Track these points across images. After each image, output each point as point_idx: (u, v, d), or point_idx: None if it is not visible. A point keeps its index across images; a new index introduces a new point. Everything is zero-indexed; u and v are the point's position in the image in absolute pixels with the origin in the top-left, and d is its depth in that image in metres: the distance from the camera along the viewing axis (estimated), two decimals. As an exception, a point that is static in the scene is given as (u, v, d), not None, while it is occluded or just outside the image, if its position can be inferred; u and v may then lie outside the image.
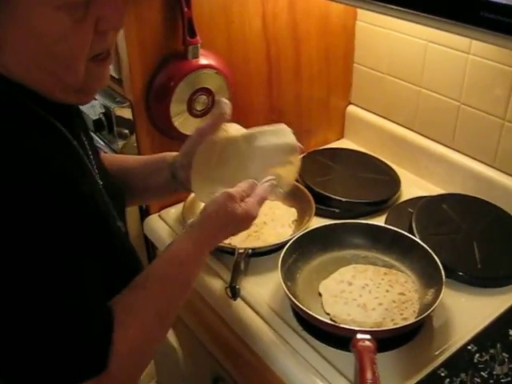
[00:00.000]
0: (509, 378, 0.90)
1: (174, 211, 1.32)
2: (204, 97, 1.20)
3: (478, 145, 1.31)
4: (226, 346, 1.15)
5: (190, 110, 1.20)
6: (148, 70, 1.18)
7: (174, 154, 1.02)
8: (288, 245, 1.09)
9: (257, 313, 1.05)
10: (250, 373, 1.09)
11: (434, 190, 1.38)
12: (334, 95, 1.55)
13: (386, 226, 1.16)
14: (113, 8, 0.67)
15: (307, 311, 0.96)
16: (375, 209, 1.30)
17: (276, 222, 1.24)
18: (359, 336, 0.89)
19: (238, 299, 1.06)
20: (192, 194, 1.25)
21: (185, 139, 1.21)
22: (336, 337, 0.96)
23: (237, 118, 1.26)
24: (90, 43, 0.68)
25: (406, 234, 1.13)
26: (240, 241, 1.18)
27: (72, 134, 0.76)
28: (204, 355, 1.27)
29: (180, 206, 1.29)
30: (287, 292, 0.99)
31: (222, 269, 1.14)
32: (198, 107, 1.21)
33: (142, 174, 1.04)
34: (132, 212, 1.30)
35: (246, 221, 0.90)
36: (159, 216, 1.32)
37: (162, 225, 1.29)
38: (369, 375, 0.81)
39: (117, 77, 1.21)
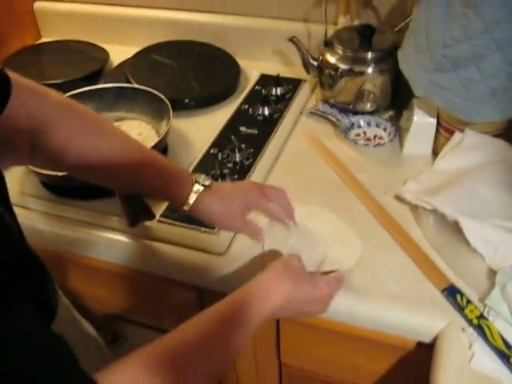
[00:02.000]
0: (250, 160, 1.02)
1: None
2: None
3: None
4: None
5: None
6: None
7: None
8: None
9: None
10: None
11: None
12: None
13: (104, 85, 1.17)
14: None
15: (43, 172, 0.95)
16: (92, 81, 1.29)
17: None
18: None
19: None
20: None
21: None
22: (96, 189, 0.98)
23: None
24: None
25: (125, 85, 1.16)
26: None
27: None
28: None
29: None
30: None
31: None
32: None
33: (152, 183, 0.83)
34: None
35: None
36: None
37: None
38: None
39: None
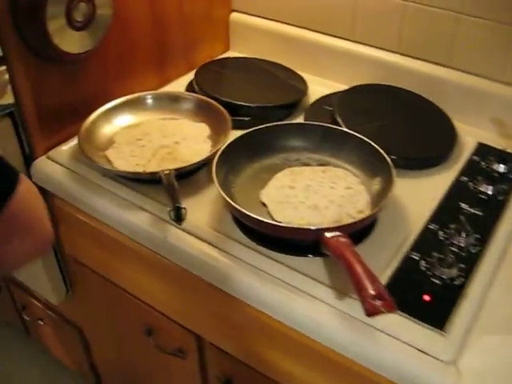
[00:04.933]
0: (477, 248, 0.88)
1: (66, 148, 1.12)
2: (83, 4, 1.01)
3: (379, 33, 1.26)
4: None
5: (70, 23, 1.00)
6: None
7: None
8: (216, 158, 0.96)
9: (201, 239, 0.91)
10: (212, 308, 0.98)
11: (340, 87, 1.30)
12: (215, 4, 1.41)
13: (313, 122, 1.07)
14: None
15: (261, 219, 0.84)
16: (288, 112, 1.21)
17: (189, 141, 1.10)
18: (329, 234, 0.81)
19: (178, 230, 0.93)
20: (88, 121, 1.08)
21: (66, 58, 1.05)
22: (297, 244, 0.88)
23: (119, 31, 1.17)
24: None
25: (335, 127, 1.05)
26: (156, 165, 1.03)
27: None
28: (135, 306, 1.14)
29: (72, 141, 1.12)
30: (232, 203, 0.87)
31: (142, 200, 0.99)
32: (79, 17, 1.01)
33: None
34: (13, 159, 1.09)
35: None
36: (48, 157, 1.11)
37: (55, 167, 1.09)
38: (359, 269, 0.73)
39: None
